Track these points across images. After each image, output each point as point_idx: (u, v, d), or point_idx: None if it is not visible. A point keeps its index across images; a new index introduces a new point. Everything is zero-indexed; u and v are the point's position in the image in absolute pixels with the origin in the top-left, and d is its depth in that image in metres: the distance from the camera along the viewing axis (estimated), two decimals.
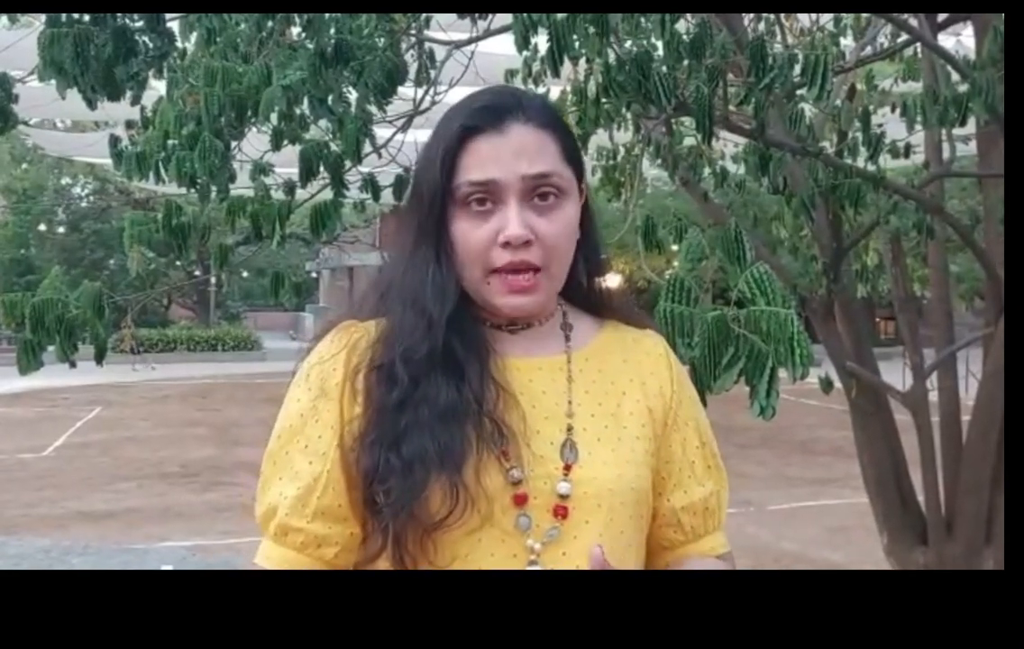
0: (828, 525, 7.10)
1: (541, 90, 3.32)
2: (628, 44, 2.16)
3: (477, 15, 2.41)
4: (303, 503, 0.99)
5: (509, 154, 1.01)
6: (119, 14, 2.43)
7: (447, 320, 1.01)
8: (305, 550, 0.99)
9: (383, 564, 0.98)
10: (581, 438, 1.02)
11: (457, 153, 1.01)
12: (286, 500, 1.00)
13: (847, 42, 3.82)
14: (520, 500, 0.98)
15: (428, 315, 1.01)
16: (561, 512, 0.99)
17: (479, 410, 0.98)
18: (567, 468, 1.00)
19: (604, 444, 1.03)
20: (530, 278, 1.01)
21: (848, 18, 3.83)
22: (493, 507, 0.96)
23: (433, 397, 0.98)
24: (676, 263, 1.41)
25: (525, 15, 2.14)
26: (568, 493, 0.99)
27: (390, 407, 0.98)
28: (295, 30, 2.46)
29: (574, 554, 0.98)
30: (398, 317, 1.03)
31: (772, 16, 3.32)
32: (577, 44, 2.00)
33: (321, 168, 2.45)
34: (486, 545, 0.97)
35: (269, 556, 1.01)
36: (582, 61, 2.24)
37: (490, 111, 1.02)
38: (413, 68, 2.69)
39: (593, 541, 0.98)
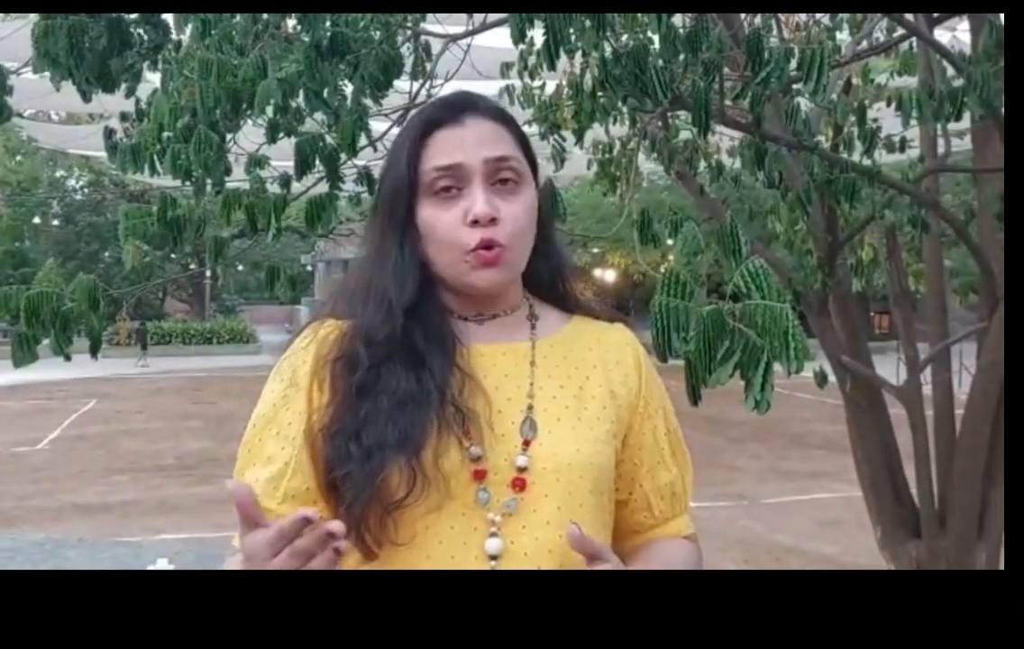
0: (821, 518, 7.12)
1: (537, 83, 3.33)
2: (624, 38, 2.16)
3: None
4: (275, 485, 1.04)
5: (471, 141, 1.08)
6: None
7: (411, 312, 1.06)
8: None
9: (349, 547, 1.00)
10: (541, 417, 1.07)
11: (421, 145, 1.08)
12: (259, 482, 1.04)
13: (843, 36, 3.82)
14: (479, 475, 1.02)
15: (388, 301, 1.07)
16: (519, 484, 1.03)
17: (441, 397, 1.02)
18: (526, 444, 1.05)
19: (564, 423, 1.08)
20: (495, 253, 1.06)
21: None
22: (451, 485, 1.00)
23: (392, 387, 1.03)
24: (672, 257, 1.41)
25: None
26: (526, 466, 1.03)
27: (352, 393, 1.03)
28: (291, 23, 2.45)
29: (533, 526, 1.02)
30: (362, 308, 1.09)
31: None
32: (573, 38, 2.00)
33: (317, 161, 2.45)
34: (446, 518, 1.01)
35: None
36: (578, 55, 2.24)
37: (448, 106, 1.11)
38: (409, 61, 2.69)
39: (552, 514, 1.03)
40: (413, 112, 1.16)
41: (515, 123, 1.15)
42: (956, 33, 4.62)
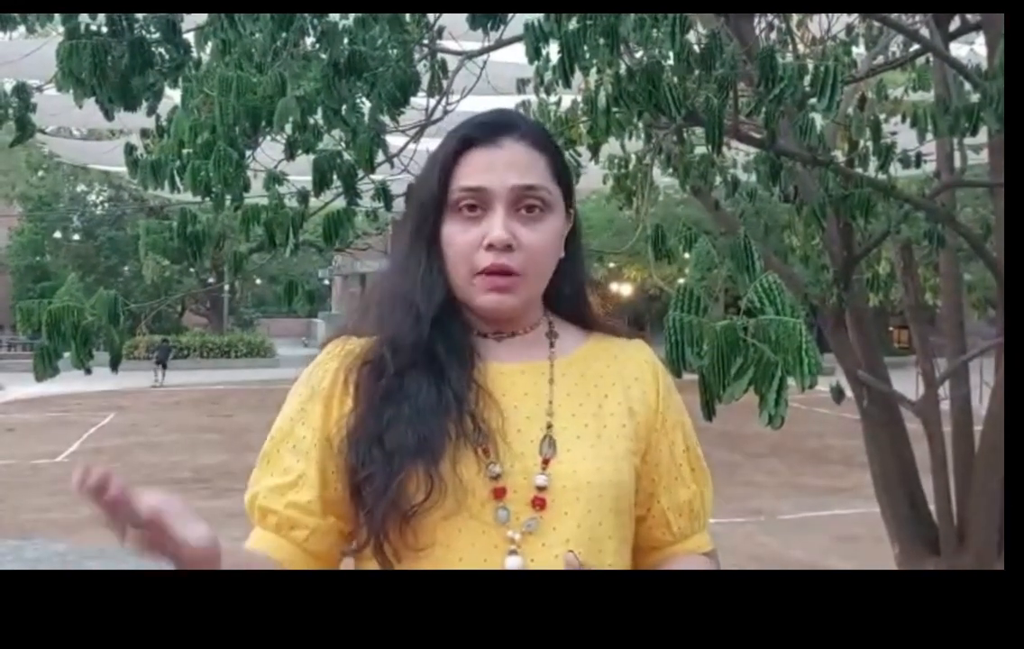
0: (839, 534, 7.07)
1: (552, 99, 3.34)
2: (639, 55, 2.17)
3: (489, 25, 2.43)
4: (281, 493, 1.07)
5: (501, 165, 1.08)
6: (136, 26, 2.46)
7: (435, 323, 1.08)
8: (280, 531, 1.07)
9: (369, 555, 1.03)
10: (560, 436, 1.07)
11: (453, 162, 1.08)
12: (266, 488, 1.08)
13: (859, 50, 3.82)
14: (499, 494, 1.03)
15: (416, 310, 1.08)
16: (539, 503, 1.04)
17: (459, 408, 1.04)
18: (545, 463, 1.05)
19: (583, 441, 1.08)
20: (508, 280, 1.07)
21: (860, 27, 3.83)
22: (468, 495, 1.01)
23: (414, 395, 1.05)
24: (687, 272, 1.42)
25: (537, 25, 2.16)
26: (545, 485, 1.04)
27: (376, 400, 1.05)
28: (309, 40, 2.49)
29: (553, 544, 1.03)
30: (389, 316, 1.10)
31: (783, 26, 3.33)
32: (588, 55, 2.02)
33: (334, 177, 2.47)
34: (466, 535, 1.02)
35: (253, 537, 1.10)
36: (593, 71, 2.26)
37: (487, 126, 1.10)
38: (426, 78, 2.71)
39: (572, 532, 1.04)
40: (456, 126, 1.14)
41: (554, 148, 1.14)
42: (973, 47, 4.60)
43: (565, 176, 1.14)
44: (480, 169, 1.07)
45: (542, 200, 1.09)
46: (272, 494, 1.07)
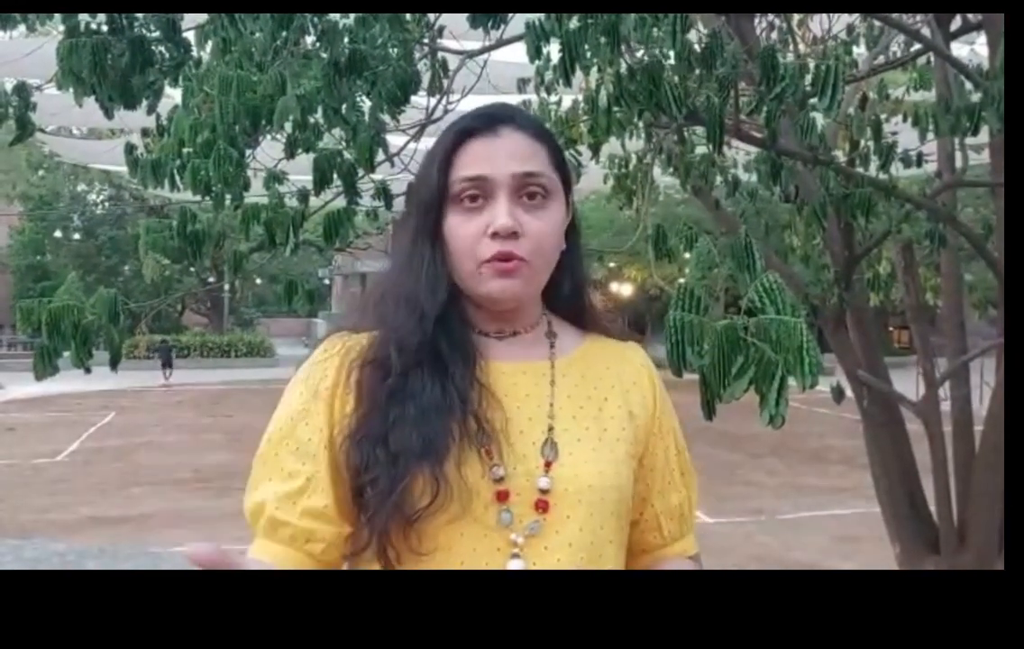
0: (839, 534, 7.07)
1: (553, 99, 3.34)
2: (639, 54, 2.17)
3: (490, 24, 2.43)
4: (293, 501, 1.03)
5: (502, 154, 1.07)
6: (136, 24, 2.46)
7: (438, 321, 1.07)
8: (294, 544, 1.03)
9: (370, 558, 1.01)
10: (562, 438, 1.07)
11: (453, 154, 1.07)
12: (276, 497, 1.04)
13: (860, 50, 3.82)
14: (502, 496, 1.02)
15: (421, 308, 1.07)
16: (542, 506, 1.03)
17: (463, 408, 1.03)
18: (547, 465, 1.05)
19: (584, 444, 1.08)
20: (514, 263, 1.06)
21: (861, 26, 3.83)
22: (473, 498, 1.00)
23: (418, 394, 1.03)
24: (687, 271, 1.41)
25: (537, 25, 2.15)
26: (548, 488, 1.03)
27: (381, 400, 1.03)
28: (309, 39, 2.48)
29: (555, 547, 1.02)
30: (392, 314, 1.09)
31: (784, 25, 3.33)
32: (588, 54, 2.02)
33: (335, 176, 2.47)
34: (469, 539, 1.01)
35: (259, 548, 1.05)
36: (594, 70, 2.26)
37: (485, 117, 1.09)
38: (426, 77, 2.71)
39: (575, 536, 1.03)
40: (453, 121, 1.14)
41: (553, 139, 1.13)
42: (974, 47, 4.60)
43: (564, 166, 1.13)
44: (480, 158, 1.06)
45: (543, 187, 1.08)
46: (284, 503, 1.03)
